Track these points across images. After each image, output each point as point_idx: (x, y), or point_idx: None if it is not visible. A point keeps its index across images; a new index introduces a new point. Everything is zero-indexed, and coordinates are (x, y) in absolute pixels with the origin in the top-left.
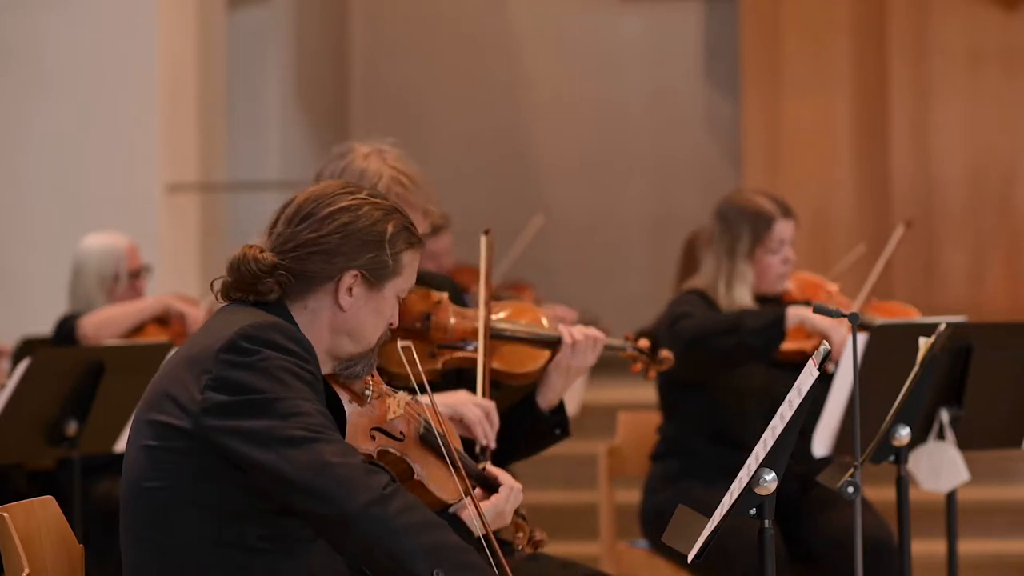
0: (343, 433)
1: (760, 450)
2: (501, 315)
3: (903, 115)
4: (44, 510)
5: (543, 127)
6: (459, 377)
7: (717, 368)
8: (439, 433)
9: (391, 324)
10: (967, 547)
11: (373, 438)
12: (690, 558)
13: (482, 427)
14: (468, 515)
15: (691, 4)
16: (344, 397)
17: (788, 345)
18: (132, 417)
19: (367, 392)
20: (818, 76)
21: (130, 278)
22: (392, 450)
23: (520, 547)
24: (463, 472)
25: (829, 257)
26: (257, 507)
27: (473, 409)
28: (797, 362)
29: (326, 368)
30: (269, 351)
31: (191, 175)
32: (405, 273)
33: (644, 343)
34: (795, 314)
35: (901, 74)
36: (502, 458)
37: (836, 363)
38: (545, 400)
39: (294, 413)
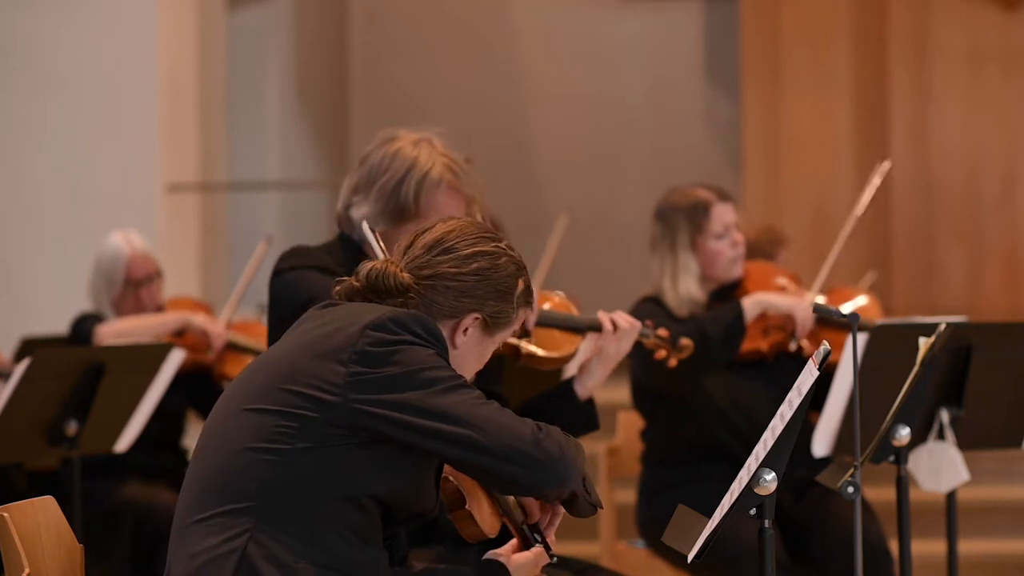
0: None
1: (760, 450)
2: None
3: (903, 115)
4: (44, 510)
5: (543, 126)
6: (499, 363)
7: (687, 378)
8: None
9: (482, 365)
10: (967, 547)
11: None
12: (690, 558)
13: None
14: (516, 561)
15: (691, 4)
16: None
17: (744, 345)
18: (234, 385)
19: None
20: (818, 76)
21: (131, 286)
22: (451, 478)
23: None
24: (515, 525)
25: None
26: (358, 496)
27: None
28: (755, 361)
29: None
30: (415, 337)
31: (191, 175)
32: (513, 325)
33: (664, 332)
34: (753, 303)
35: (901, 74)
36: None
37: (799, 342)
38: (584, 389)
39: (441, 378)
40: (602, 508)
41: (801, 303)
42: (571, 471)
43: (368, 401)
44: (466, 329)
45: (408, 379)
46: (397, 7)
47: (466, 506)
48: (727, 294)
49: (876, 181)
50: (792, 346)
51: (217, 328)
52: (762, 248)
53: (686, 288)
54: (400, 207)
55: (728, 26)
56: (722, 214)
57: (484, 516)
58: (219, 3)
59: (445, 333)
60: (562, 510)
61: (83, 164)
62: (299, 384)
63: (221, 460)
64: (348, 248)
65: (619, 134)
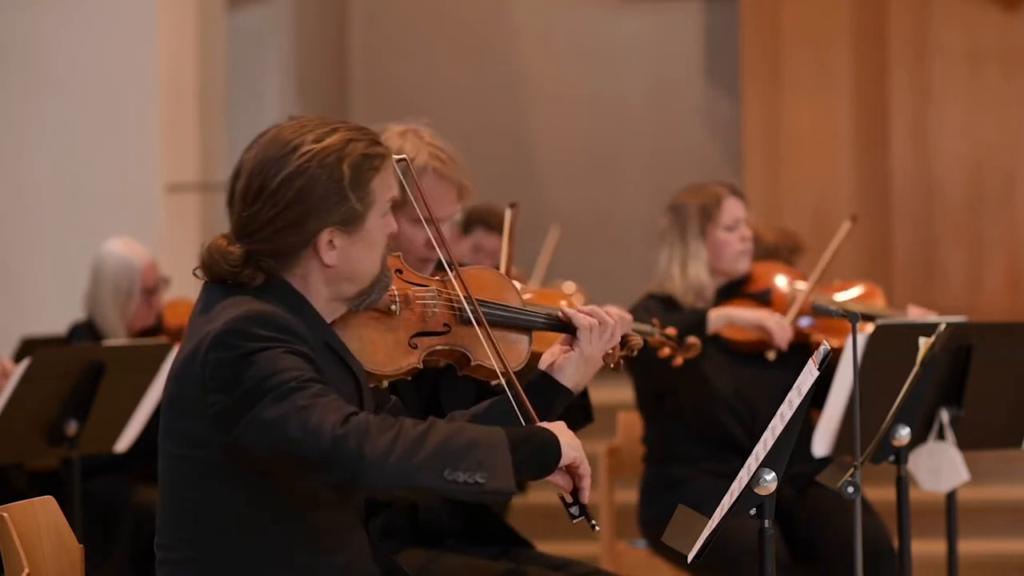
0: (362, 396)
1: (760, 450)
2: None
3: (903, 115)
4: (44, 510)
5: (544, 126)
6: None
7: (661, 372)
8: (472, 309)
9: (391, 231)
10: (967, 547)
11: (414, 347)
12: (690, 558)
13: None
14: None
15: (691, 4)
16: (370, 315)
17: (743, 335)
18: (162, 401)
19: (393, 306)
20: (818, 76)
21: (145, 295)
22: (440, 347)
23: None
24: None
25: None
26: (286, 509)
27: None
28: (757, 352)
29: (340, 311)
30: (255, 342)
31: (191, 175)
32: (379, 197)
33: (671, 330)
34: (719, 316)
35: (901, 74)
36: None
37: (778, 351)
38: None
39: (273, 386)
40: (517, 493)
41: (771, 316)
42: (370, 470)
43: (230, 431)
44: (329, 242)
45: (248, 398)
46: (397, 7)
47: (472, 362)
48: (735, 289)
49: (840, 237)
50: (770, 355)
51: None
52: (782, 255)
53: (696, 274)
54: None
55: (728, 26)
56: (733, 207)
57: (490, 358)
58: (219, 3)
59: (312, 262)
60: (585, 471)
61: (83, 164)
62: (185, 418)
63: (163, 501)
64: None
65: (619, 134)
